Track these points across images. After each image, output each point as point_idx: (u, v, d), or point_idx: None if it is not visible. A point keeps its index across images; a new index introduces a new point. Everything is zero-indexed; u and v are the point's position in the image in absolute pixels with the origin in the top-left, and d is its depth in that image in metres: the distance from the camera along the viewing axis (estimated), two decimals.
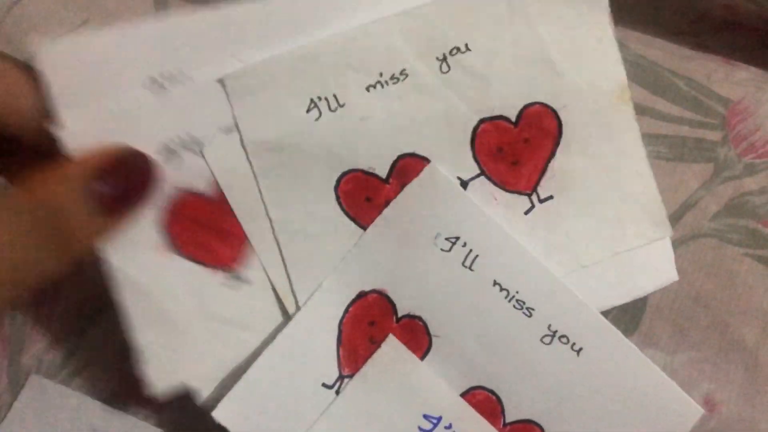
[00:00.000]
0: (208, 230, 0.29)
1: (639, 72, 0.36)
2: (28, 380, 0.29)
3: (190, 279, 0.29)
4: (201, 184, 0.28)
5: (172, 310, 0.29)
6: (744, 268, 0.31)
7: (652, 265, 0.31)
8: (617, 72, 0.31)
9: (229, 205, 0.29)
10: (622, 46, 0.36)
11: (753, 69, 0.37)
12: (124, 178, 0.26)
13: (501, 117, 0.31)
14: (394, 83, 0.30)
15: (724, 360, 0.30)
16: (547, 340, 0.30)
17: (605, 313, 0.31)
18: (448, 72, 0.30)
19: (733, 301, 0.30)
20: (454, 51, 0.30)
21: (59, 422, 0.29)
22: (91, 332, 0.31)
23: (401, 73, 0.30)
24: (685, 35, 0.40)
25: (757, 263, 0.31)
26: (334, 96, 0.30)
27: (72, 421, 0.29)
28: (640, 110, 0.34)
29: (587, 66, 0.31)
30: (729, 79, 0.36)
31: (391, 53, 0.30)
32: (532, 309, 0.30)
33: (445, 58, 0.30)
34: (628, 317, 0.31)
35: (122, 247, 0.27)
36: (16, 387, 0.29)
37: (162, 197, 0.28)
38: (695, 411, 0.29)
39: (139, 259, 0.28)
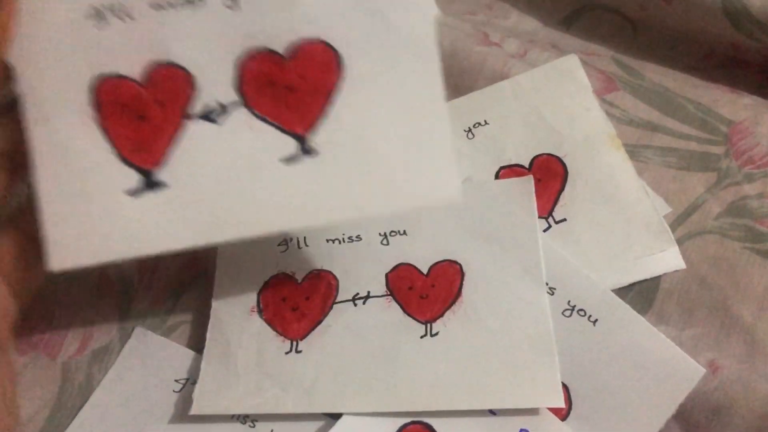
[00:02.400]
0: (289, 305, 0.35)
1: (654, 96, 0.42)
2: (134, 331, 0.35)
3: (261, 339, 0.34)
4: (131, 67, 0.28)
5: (239, 355, 0.34)
6: (743, 259, 0.36)
7: (662, 256, 0.37)
8: (606, 126, 0.40)
9: None
10: (639, 75, 0.43)
11: (754, 97, 0.43)
12: None
13: (517, 165, 0.40)
14: None
15: (725, 334, 0.35)
16: (567, 313, 0.35)
17: (623, 294, 0.36)
18: (473, 138, 0.41)
19: (733, 286, 0.35)
20: (476, 125, 0.41)
21: (160, 367, 0.35)
22: (185, 296, 0.37)
23: None
24: (695, 70, 0.46)
25: (754, 254, 0.36)
26: None
27: (170, 365, 0.34)
28: (653, 127, 0.41)
29: (579, 126, 0.40)
30: (732, 104, 0.42)
31: None
32: (554, 288, 0.36)
33: (470, 129, 0.41)
34: (643, 299, 0.36)
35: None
36: (124, 337, 0.35)
37: None
38: (698, 371, 0.33)
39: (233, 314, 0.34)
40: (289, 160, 0.29)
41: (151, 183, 0.28)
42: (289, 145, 0.29)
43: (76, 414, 0.33)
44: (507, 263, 0.36)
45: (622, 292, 0.36)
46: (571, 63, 0.42)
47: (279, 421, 0.34)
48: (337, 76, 0.29)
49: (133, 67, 0.28)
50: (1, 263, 0.28)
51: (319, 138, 0.29)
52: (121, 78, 0.28)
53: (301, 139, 0.29)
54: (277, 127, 0.29)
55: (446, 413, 0.33)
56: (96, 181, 0.28)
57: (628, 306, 0.35)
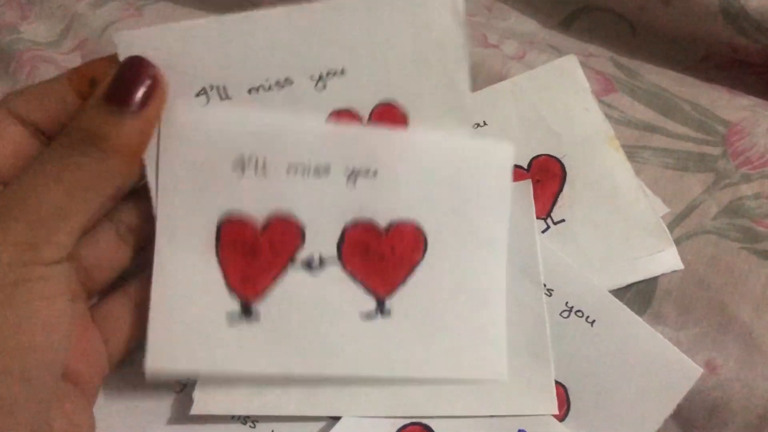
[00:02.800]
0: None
1: (651, 98, 0.42)
2: None
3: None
4: None
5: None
6: (740, 259, 0.36)
7: (660, 256, 0.37)
8: (605, 127, 0.40)
9: None
10: (638, 76, 0.43)
11: (751, 97, 0.43)
12: (122, 74, 0.28)
13: (516, 166, 0.39)
14: None
15: (723, 334, 0.35)
16: (565, 314, 0.36)
17: (621, 295, 0.36)
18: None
19: (731, 286, 0.35)
20: (475, 126, 0.41)
21: None
22: None
23: None
24: (694, 71, 0.46)
25: (752, 255, 0.36)
26: None
27: None
28: (651, 128, 0.41)
29: (578, 127, 0.41)
30: (729, 105, 0.42)
31: None
32: (552, 290, 0.36)
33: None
34: (641, 299, 0.36)
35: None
36: None
37: None
38: (695, 370, 0.34)
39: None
40: (367, 316, 0.34)
41: (248, 312, 0.33)
42: (369, 303, 0.34)
43: None
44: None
45: (620, 292, 0.36)
46: (570, 64, 0.42)
47: (280, 422, 0.34)
48: (421, 254, 0.34)
49: (257, 213, 0.33)
50: (108, 320, 0.31)
51: (394, 302, 0.34)
52: (245, 220, 0.33)
53: (380, 301, 0.34)
54: (363, 287, 0.34)
55: (444, 415, 0.34)
56: (202, 301, 0.32)
57: (625, 307, 0.35)
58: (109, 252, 0.32)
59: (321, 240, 0.34)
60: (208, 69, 0.33)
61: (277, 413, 0.33)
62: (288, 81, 0.34)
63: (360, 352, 0.33)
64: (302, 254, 0.33)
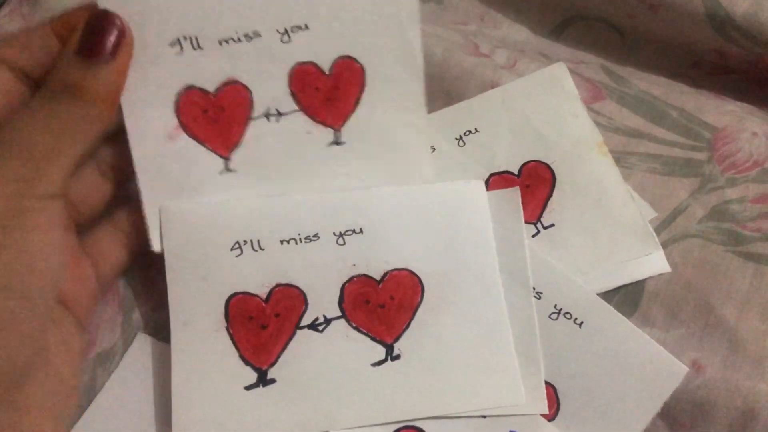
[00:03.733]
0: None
1: (639, 104, 0.43)
2: (136, 337, 0.37)
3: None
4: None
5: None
6: (725, 262, 0.37)
7: (647, 259, 0.38)
8: (594, 134, 0.41)
9: None
10: (627, 83, 0.44)
11: (738, 103, 0.44)
12: (89, 27, 0.30)
13: (506, 172, 0.41)
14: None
15: (709, 334, 0.36)
16: (554, 316, 0.37)
17: (609, 298, 0.37)
18: (464, 146, 0.42)
19: (717, 288, 0.36)
20: (467, 132, 0.42)
21: (160, 372, 0.36)
22: None
23: (431, 148, 0.41)
24: (683, 77, 0.47)
25: (737, 257, 0.37)
26: None
27: (170, 371, 0.35)
28: (639, 134, 0.42)
29: (568, 133, 0.42)
30: (716, 110, 0.43)
31: None
32: (541, 293, 0.37)
33: (461, 137, 0.42)
34: (629, 301, 0.37)
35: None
36: (127, 341, 0.36)
37: None
38: (681, 370, 0.35)
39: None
40: (378, 363, 0.35)
41: (264, 380, 0.35)
42: (378, 351, 0.35)
43: (81, 414, 0.34)
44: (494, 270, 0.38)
45: (609, 295, 0.37)
46: (560, 71, 0.43)
47: None
48: (419, 297, 0.36)
49: (260, 287, 0.36)
50: (96, 248, 0.34)
51: (402, 346, 0.36)
52: (249, 295, 0.36)
53: (388, 347, 0.36)
54: (369, 337, 0.36)
55: (437, 417, 0.35)
56: (220, 376, 0.35)
57: (613, 309, 0.36)
58: (94, 188, 0.34)
59: (323, 301, 0.36)
60: (181, 20, 0.35)
61: None
62: (256, 34, 0.36)
63: (377, 399, 0.35)
64: (307, 318, 0.36)
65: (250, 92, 0.36)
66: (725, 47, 0.45)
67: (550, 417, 0.35)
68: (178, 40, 0.35)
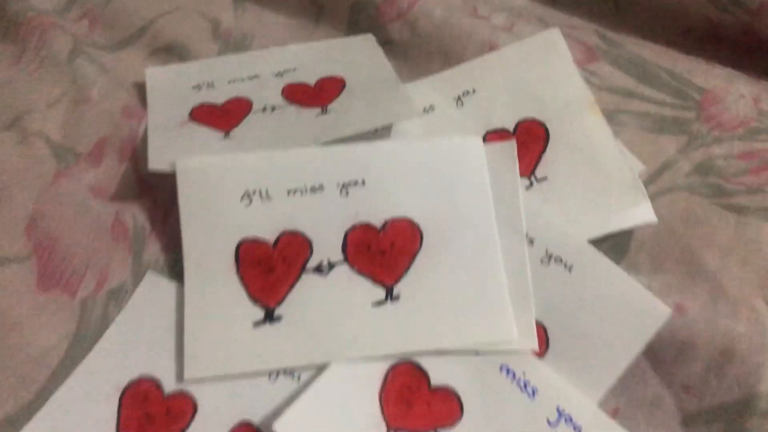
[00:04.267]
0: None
1: (631, 66, 0.45)
2: (146, 275, 0.39)
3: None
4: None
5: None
6: (709, 213, 0.39)
7: (636, 210, 0.40)
8: (586, 94, 0.44)
9: None
10: (619, 46, 0.46)
11: (727, 68, 0.46)
12: None
13: (502, 129, 0.43)
14: (426, 113, 0.44)
15: (692, 280, 0.37)
16: (545, 261, 0.38)
17: (598, 246, 0.39)
18: (462, 106, 0.44)
19: (700, 237, 0.38)
20: (465, 93, 0.45)
21: (169, 308, 0.37)
22: None
23: (431, 108, 0.44)
24: (674, 45, 0.49)
25: (720, 209, 0.39)
26: None
27: (178, 308, 0.37)
28: (630, 94, 0.44)
29: (561, 93, 0.44)
30: (705, 73, 0.45)
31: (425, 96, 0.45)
32: (533, 239, 0.39)
33: (459, 98, 0.45)
34: (617, 250, 0.39)
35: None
36: (137, 279, 0.38)
37: None
38: (665, 311, 0.36)
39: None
40: (378, 304, 0.37)
41: (271, 317, 0.37)
42: (379, 293, 0.37)
43: (92, 346, 0.36)
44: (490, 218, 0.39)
45: (598, 243, 0.39)
46: (554, 35, 0.45)
47: None
48: (419, 243, 0.38)
49: (268, 233, 0.38)
50: None
51: (402, 288, 0.37)
52: (257, 241, 0.38)
53: (388, 289, 0.37)
54: (370, 279, 0.38)
55: (433, 353, 0.36)
56: (230, 313, 0.37)
57: (601, 254, 0.38)
58: None
59: (327, 247, 0.38)
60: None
61: (269, 368, 0.36)
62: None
63: (376, 335, 0.36)
64: (312, 262, 0.38)
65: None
66: (716, 15, 0.47)
67: (540, 354, 0.37)
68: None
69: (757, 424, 0.34)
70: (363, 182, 0.39)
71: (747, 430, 0.34)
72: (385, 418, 0.35)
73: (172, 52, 0.49)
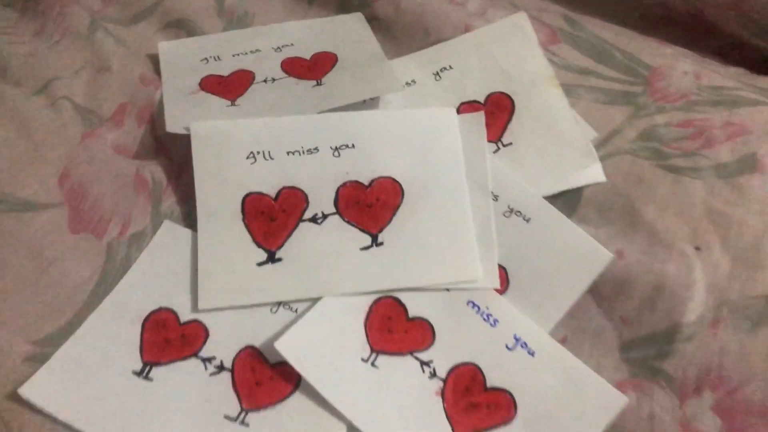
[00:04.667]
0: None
1: (589, 47, 0.51)
2: (163, 223, 0.44)
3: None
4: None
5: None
6: (649, 173, 0.44)
7: (587, 171, 0.46)
8: (547, 70, 0.50)
9: None
10: (582, 28, 0.52)
11: (677, 47, 0.52)
12: None
13: (474, 101, 0.50)
14: (408, 86, 0.50)
15: (632, 230, 0.43)
16: (507, 214, 0.45)
17: (553, 201, 0.45)
18: (440, 80, 0.50)
19: (640, 193, 0.44)
20: (443, 69, 0.51)
21: (183, 251, 0.43)
22: None
23: (413, 81, 0.50)
24: (633, 27, 0.55)
25: (659, 169, 0.44)
26: None
27: (191, 251, 0.43)
28: (587, 72, 0.50)
29: (526, 70, 0.50)
30: (655, 52, 0.50)
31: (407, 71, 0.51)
32: (498, 195, 0.45)
33: (437, 73, 0.51)
34: (570, 205, 0.45)
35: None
36: (156, 226, 0.44)
37: None
38: (607, 256, 0.43)
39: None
40: (364, 249, 0.43)
41: (273, 258, 0.42)
42: (366, 239, 0.43)
43: (118, 282, 0.42)
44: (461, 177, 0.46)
45: (553, 199, 0.45)
46: (521, 20, 0.51)
47: None
48: (400, 198, 0.45)
49: (270, 188, 0.44)
50: None
51: (385, 235, 0.43)
52: (260, 195, 0.44)
53: (374, 237, 0.43)
54: (358, 228, 0.43)
55: (410, 290, 0.43)
56: (237, 255, 0.42)
57: (554, 207, 0.44)
58: None
59: (321, 200, 0.44)
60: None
61: (275, 300, 0.42)
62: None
63: (363, 274, 0.42)
64: (308, 213, 0.44)
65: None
66: (670, 0, 0.53)
67: (501, 291, 0.43)
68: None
69: (681, 347, 0.40)
70: (353, 146, 0.45)
71: (673, 352, 0.40)
72: (369, 342, 0.41)
73: (181, 26, 0.54)
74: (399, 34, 0.53)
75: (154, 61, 0.51)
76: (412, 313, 0.42)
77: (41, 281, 0.40)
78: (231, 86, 0.49)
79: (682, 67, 0.49)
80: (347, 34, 0.53)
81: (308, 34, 0.53)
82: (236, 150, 0.45)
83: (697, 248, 0.42)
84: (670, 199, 0.44)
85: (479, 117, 0.47)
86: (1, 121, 0.44)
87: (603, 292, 0.43)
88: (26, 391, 0.37)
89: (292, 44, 0.52)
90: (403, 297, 0.43)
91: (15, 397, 0.37)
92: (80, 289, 0.41)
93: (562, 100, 0.48)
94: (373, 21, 0.54)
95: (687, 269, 0.41)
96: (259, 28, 0.55)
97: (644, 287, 0.42)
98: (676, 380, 0.39)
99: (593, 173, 0.46)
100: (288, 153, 0.45)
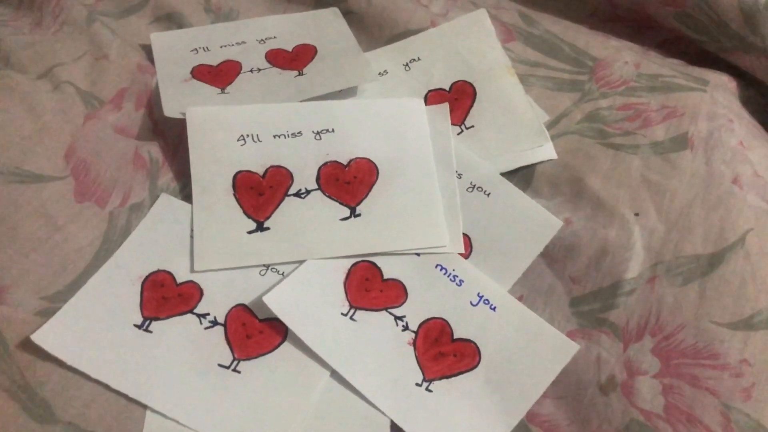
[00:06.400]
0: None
1: (541, 43, 0.57)
2: (160, 196, 0.48)
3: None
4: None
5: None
6: (594, 149, 0.50)
7: (540, 150, 0.52)
8: (504, 60, 0.55)
9: None
10: (536, 24, 0.57)
11: (621, 41, 0.58)
12: None
13: (440, 89, 0.55)
14: (381, 76, 0.56)
15: (579, 200, 0.49)
16: (470, 189, 0.50)
17: (510, 177, 0.50)
18: (409, 70, 0.56)
19: (586, 168, 0.49)
20: (412, 60, 0.57)
21: (178, 221, 0.47)
22: None
23: (385, 72, 0.56)
24: (584, 23, 0.61)
25: (602, 146, 0.50)
26: None
27: (186, 221, 0.47)
28: (538, 65, 0.55)
29: (486, 61, 0.56)
30: (600, 45, 0.56)
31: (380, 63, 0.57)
32: (461, 174, 0.50)
33: (407, 64, 0.56)
34: (524, 179, 0.51)
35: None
36: (153, 198, 0.48)
37: None
38: (558, 223, 0.48)
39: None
40: (344, 219, 0.48)
41: (261, 227, 0.47)
42: (345, 211, 0.48)
43: (118, 246, 0.46)
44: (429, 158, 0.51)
45: (510, 174, 0.51)
46: (481, 15, 0.57)
47: None
48: (375, 176, 0.50)
49: (258, 167, 0.49)
50: None
51: (362, 208, 0.48)
52: (250, 172, 0.49)
53: (352, 209, 0.48)
54: (338, 202, 0.48)
55: (384, 254, 0.48)
56: (228, 224, 0.47)
57: (511, 183, 0.50)
58: None
59: (304, 178, 0.49)
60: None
61: (266, 262, 0.46)
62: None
63: (342, 240, 0.47)
64: (293, 189, 0.48)
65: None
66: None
67: (466, 256, 0.48)
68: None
69: (623, 300, 0.45)
70: (333, 130, 0.51)
71: (617, 305, 0.45)
72: (348, 299, 0.46)
73: (171, 20, 0.59)
74: (370, 27, 0.59)
75: (148, 50, 0.55)
76: (386, 274, 0.47)
77: (49, 244, 0.44)
78: (220, 75, 0.54)
79: (623, 58, 0.56)
80: (325, 27, 0.58)
81: (289, 28, 0.58)
82: (228, 133, 0.49)
83: (636, 214, 0.47)
84: (611, 173, 0.49)
85: (444, 107, 0.53)
86: (11, 104, 0.48)
87: (554, 255, 0.48)
88: (38, 338, 0.41)
89: (274, 37, 0.57)
90: (379, 261, 0.48)
91: (28, 346, 0.41)
92: (85, 251, 0.45)
93: (517, 87, 0.54)
94: (348, 14, 0.59)
95: (627, 233, 0.47)
96: (243, 21, 0.59)
97: (590, 250, 0.47)
98: (619, 328, 0.45)
99: (545, 151, 0.51)
100: (274, 136, 0.50)
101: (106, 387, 0.41)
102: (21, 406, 0.40)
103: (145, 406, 0.41)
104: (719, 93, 0.52)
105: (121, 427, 0.40)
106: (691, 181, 0.48)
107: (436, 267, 0.48)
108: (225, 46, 0.56)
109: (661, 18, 0.58)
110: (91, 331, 0.42)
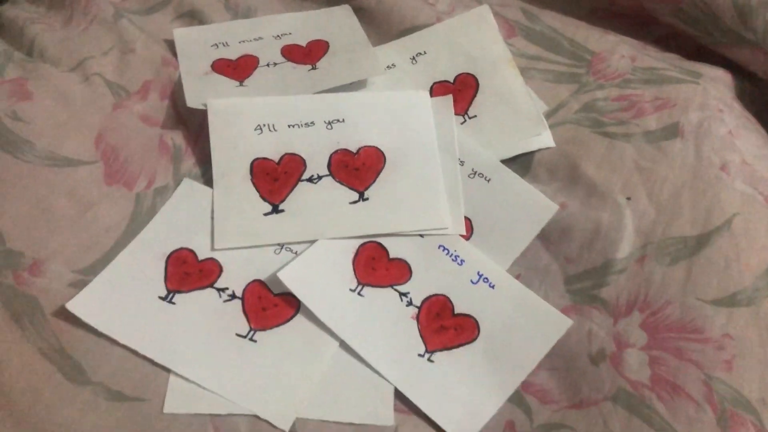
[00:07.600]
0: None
1: (541, 38, 0.60)
2: (183, 180, 0.52)
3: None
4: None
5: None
6: (589, 138, 0.53)
7: (539, 138, 0.55)
8: (506, 53, 0.58)
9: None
10: (538, 20, 0.60)
11: (618, 35, 0.60)
12: None
13: (445, 81, 0.58)
14: (389, 69, 0.58)
15: (575, 185, 0.52)
16: (471, 176, 0.53)
17: (510, 164, 0.53)
18: (416, 63, 0.59)
19: (582, 155, 0.52)
20: (418, 54, 0.60)
21: (200, 204, 0.50)
22: None
23: (393, 65, 0.59)
24: (585, 20, 0.63)
25: (597, 135, 0.53)
26: None
27: (207, 204, 0.50)
28: (538, 58, 0.58)
29: (488, 54, 0.59)
30: (598, 40, 0.59)
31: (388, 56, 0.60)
32: (463, 161, 0.53)
33: (414, 57, 0.59)
34: (524, 166, 0.54)
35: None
36: (177, 182, 0.52)
37: None
38: (553, 207, 0.51)
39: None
40: (353, 203, 0.51)
41: (276, 210, 0.51)
42: (354, 195, 0.52)
43: (144, 226, 0.49)
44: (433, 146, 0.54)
45: (510, 161, 0.54)
46: (485, 11, 0.60)
47: None
48: (383, 164, 0.53)
49: (274, 154, 0.52)
50: None
51: (370, 192, 0.52)
52: (266, 159, 0.52)
53: (360, 193, 0.52)
54: (348, 187, 0.52)
55: (390, 236, 0.51)
56: (246, 206, 0.51)
57: (510, 169, 0.53)
58: None
59: (317, 165, 0.52)
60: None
61: (281, 241, 0.50)
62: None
63: (351, 222, 0.50)
64: (306, 175, 0.52)
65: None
66: None
67: (467, 238, 0.51)
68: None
69: (614, 278, 0.48)
70: (343, 120, 0.54)
71: (608, 283, 0.48)
72: (356, 276, 0.49)
73: (193, 17, 0.62)
74: (380, 23, 0.62)
75: (171, 45, 0.59)
76: (392, 254, 0.51)
77: (81, 222, 0.48)
78: (239, 69, 0.57)
79: (620, 52, 0.58)
80: (337, 23, 0.61)
81: (303, 24, 0.62)
82: (246, 123, 0.53)
83: (628, 198, 0.50)
84: (605, 159, 0.52)
85: (448, 99, 0.56)
86: (45, 94, 0.52)
87: (550, 237, 0.51)
88: (72, 306, 0.45)
89: (290, 33, 0.61)
90: (385, 241, 0.51)
91: (62, 314, 0.44)
92: (113, 230, 0.49)
93: (518, 79, 0.57)
94: (359, 11, 0.62)
95: (619, 216, 0.49)
96: (261, 18, 0.63)
97: (584, 231, 0.50)
98: (610, 304, 0.47)
99: (544, 140, 0.54)
100: (289, 126, 0.53)
101: (134, 352, 0.45)
102: (56, 367, 0.43)
103: (168, 370, 0.45)
104: (712, 85, 0.55)
105: (147, 388, 0.44)
106: (681, 168, 0.50)
107: (438, 247, 0.51)
108: (243, 41, 0.60)
109: (659, 14, 0.60)
110: (120, 301, 0.46)
